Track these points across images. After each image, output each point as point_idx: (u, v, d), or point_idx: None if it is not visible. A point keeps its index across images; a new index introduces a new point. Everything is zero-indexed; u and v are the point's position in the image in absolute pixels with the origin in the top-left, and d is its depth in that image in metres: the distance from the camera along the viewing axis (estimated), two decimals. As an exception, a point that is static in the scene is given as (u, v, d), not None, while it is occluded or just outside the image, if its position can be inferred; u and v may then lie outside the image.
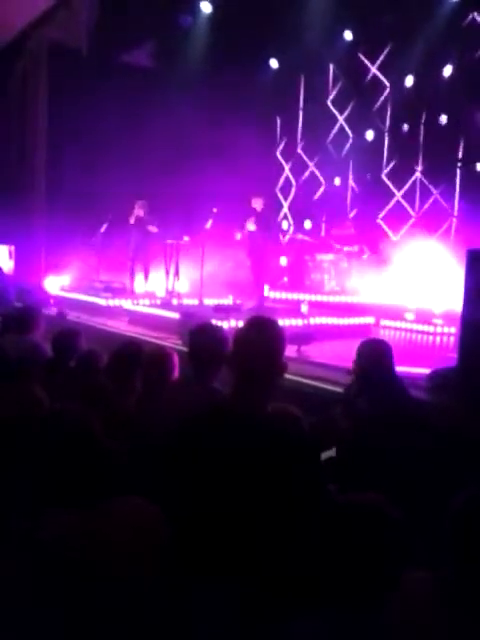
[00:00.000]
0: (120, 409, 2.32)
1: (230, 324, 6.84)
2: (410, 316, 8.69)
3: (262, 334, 1.79)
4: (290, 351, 6.17)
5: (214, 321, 6.80)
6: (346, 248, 11.09)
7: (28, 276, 11.20)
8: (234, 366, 1.77)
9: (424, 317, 8.51)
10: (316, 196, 13.25)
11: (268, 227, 8.97)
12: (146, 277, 10.31)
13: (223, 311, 7.66)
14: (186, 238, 9.52)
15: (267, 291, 9.64)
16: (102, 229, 10.55)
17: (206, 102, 11.11)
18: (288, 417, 1.68)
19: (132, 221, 9.92)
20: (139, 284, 10.31)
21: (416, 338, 8.21)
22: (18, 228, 11.56)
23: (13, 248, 12.39)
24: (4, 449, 2.22)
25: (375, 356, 3.52)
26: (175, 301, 9.18)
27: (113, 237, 10.44)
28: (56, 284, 11.28)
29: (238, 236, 11.33)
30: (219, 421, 1.71)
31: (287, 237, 13.14)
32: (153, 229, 9.94)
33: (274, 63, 12.78)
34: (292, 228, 13.53)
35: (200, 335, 2.58)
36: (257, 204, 8.70)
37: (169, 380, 2.75)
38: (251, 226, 8.58)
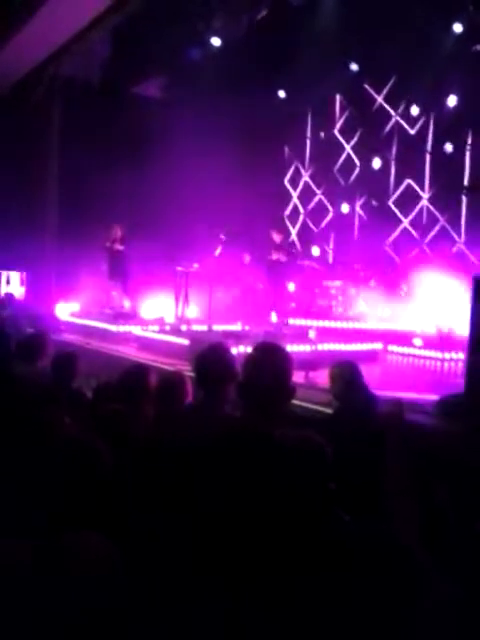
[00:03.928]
0: (132, 435, 2.36)
1: (239, 350, 6.89)
2: (418, 342, 8.72)
3: (270, 359, 1.85)
4: (298, 377, 6.21)
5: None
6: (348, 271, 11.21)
7: (39, 302, 11.34)
8: (243, 391, 1.83)
9: (431, 343, 8.55)
10: (324, 223, 13.39)
11: (287, 258, 9.26)
12: (125, 295, 10.54)
13: (232, 337, 7.71)
14: (196, 265, 9.64)
15: (275, 317, 9.73)
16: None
17: (215, 132, 11.33)
18: (311, 444, 1.72)
19: (108, 244, 10.21)
20: (123, 304, 10.59)
21: (424, 364, 8.23)
22: (30, 255, 11.74)
23: (25, 274, 12.58)
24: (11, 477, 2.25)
25: (344, 378, 3.66)
26: (184, 327, 9.26)
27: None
28: (66, 310, 11.41)
29: (247, 259, 11.49)
30: (229, 445, 1.76)
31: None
32: (119, 247, 10.25)
33: (282, 93, 13.05)
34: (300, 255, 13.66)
35: (206, 357, 2.59)
36: (276, 237, 8.98)
37: (182, 405, 2.79)
38: (274, 257, 8.85)
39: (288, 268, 9.58)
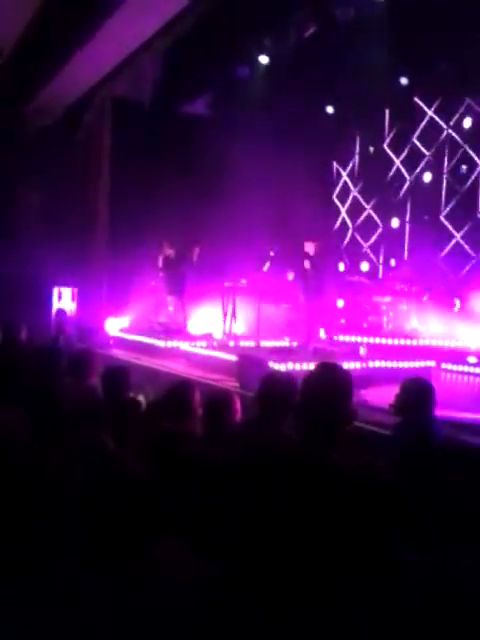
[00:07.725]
0: (185, 453, 2.33)
1: (287, 367, 6.82)
2: (472, 359, 8.45)
3: (329, 380, 1.79)
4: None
5: (272, 363, 6.83)
6: (399, 287, 10.96)
7: (89, 318, 11.52)
8: (302, 411, 1.77)
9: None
10: (373, 238, 13.21)
11: (321, 270, 8.86)
12: (184, 313, 10.38)
13: (280, 354, 7.65)
14: (243, 281, 9.63)
15: (323, 333, 9.59)
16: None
17: (263, 148, 11.35)
18: (374, 471, 1.65)
19: (160, 262, 10.16)
20: (177, 319, 10.46)
21: (479, 382, 7.95)
22: (81, 271, 11.97)
23: (76, 290, 12.82)
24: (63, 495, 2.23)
25: (417, 395, 3.53)
26: (231, 343, 9.23)
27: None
28: (116, 325, 11.54)
29: (290, 276, 11.38)
30: (288, 465, 1.70)
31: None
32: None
33: (330, 109, 13.01)
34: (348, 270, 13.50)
35: (271, 382, 2.61)
36: (309, 248, 8.66)
37: (232, 423, 2.76)
38: (306, 267, 8.56)
39: (321, 283, 9.04)
